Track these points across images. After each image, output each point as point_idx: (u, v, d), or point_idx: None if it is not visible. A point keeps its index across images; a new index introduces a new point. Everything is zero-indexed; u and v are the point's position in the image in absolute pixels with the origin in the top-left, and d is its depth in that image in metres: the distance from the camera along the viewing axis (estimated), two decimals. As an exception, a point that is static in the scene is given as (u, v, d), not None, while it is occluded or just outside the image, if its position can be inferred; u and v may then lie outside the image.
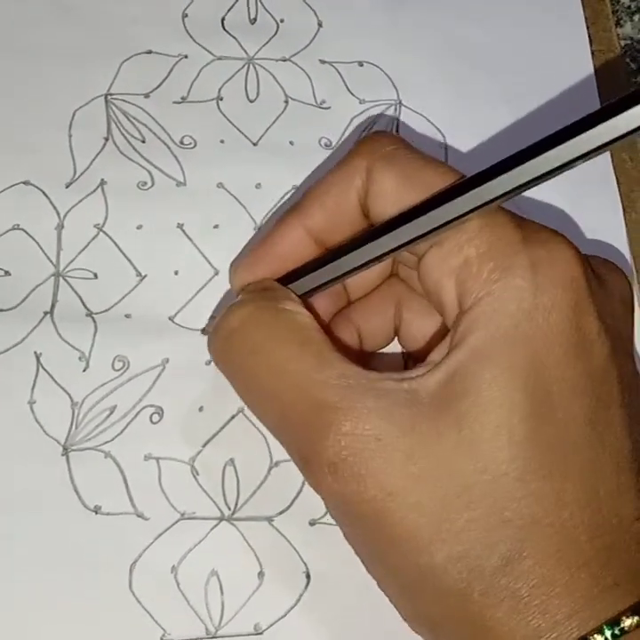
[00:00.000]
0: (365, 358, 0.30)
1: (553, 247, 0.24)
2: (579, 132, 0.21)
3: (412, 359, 0.31)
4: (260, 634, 0.28)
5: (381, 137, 0.27)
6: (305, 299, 0.27)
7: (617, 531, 0.23)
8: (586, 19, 0.38)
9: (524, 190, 0.23)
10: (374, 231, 0.25)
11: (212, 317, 0.32)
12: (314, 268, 0.27)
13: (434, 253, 0.24)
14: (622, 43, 0.39)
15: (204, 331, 0.32)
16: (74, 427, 0.30)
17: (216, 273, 0.33)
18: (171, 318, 0.32)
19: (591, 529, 0.22)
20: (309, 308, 0.27)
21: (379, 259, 0.25)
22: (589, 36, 0.38)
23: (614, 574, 0.22)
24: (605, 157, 0.36)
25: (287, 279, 0.28)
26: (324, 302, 0.29)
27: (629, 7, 0.39)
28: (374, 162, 0.26)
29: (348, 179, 0.26)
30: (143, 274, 0.32)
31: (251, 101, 0.36)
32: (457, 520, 0.22)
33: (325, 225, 0.27)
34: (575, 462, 0.23)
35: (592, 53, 0.38)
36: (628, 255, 0.35)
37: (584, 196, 0.35)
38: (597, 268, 0.25)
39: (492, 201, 0.23)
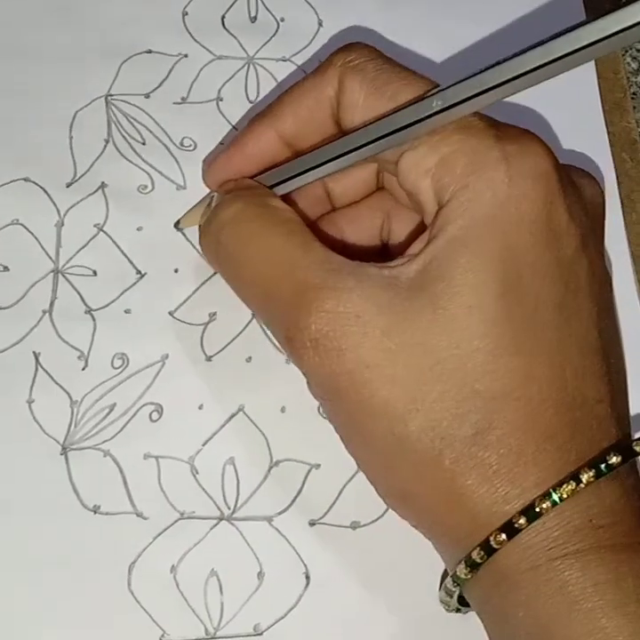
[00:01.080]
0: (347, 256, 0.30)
1: (525, 142, 0.25)
2: (560, 35, 0.22)
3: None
4: (260, 634, 0.28)
5: (354, 48, 0.28)
6: (284, 199, 0.29)
7: (581, 409, 0.24)
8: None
9: (499, 97, 0.24)
10: (346, 133, 0.27)
11: (178, 220, 0.33)
12: (287, 170, 0.28)
13: (410, 156, 0.26)
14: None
15: (176, 225, 0.33)
16: (73, 425, 0.30)
17: (216, 272, 0.32)
18: (171, 313, 0.32)
19: (557, 405, 0.24)
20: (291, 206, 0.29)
21: (349, 156, 0.27)
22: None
23: (577, 449, 0.24)
24: (606, 158, 0.36)
25: (261, 180, 0.29)
26: (303, 204, 0.30)
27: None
28: (346, 72, 0.27)
29: (320, 87, 0.28)
30: (143, 272, 0.32)
31: (251, 102, 0.36)
32: (430, 392, 0.24)
33: (297, 131, 0.29)
34: (543, 342, 0.24)
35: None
36: (627, 255, 0.35)
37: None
38: (571, 173, 0.26)
39: (463, 101, 0.24)
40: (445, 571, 0.27)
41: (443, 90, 0.25)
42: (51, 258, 0.32)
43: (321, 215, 0.31)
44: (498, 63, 0.23)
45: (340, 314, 0.24)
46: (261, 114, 0.29)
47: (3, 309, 0.31)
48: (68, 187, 0.33)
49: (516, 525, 0.23)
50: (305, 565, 0.29)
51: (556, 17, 0.37)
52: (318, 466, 0.30)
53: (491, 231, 0.24)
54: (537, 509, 0.23)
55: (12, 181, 0.33)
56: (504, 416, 0.23)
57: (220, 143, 0.35)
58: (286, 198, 0.29)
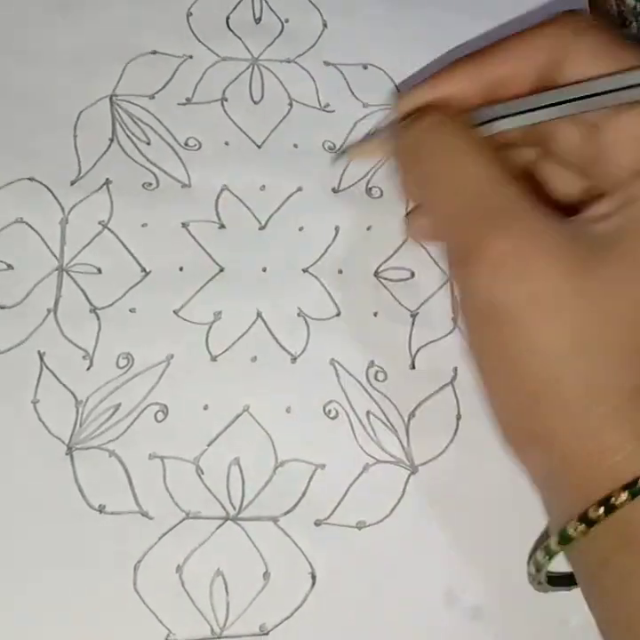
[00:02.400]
0: None
1: None
2: None
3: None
4: (266, 634, 0.28)
5: (575, 14, 0.28)
6: None
7: None
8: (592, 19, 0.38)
9: None
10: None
11: (340, 151, 0.34)
12: (491, 111, 0.28)
13: (625, 117, 0.26)
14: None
15: (340, 154, 0.34)
16: (78, 425, 0.30)
17: (221, 269, 0.33)
18: (176, 312, 0.32)
19: None
20: None
21: (566, 106, 0.27)
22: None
23: None
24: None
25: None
26: None
27: (635, 8, 0.39)
28: (574, 31, 0.27)
29: (538, 42, 0.28)
30: (148, 270, 0.32)
31: (255, 103, 0.36)
32: (597, 340, 0.24)
33: (503, 79, 0.29)
34: None
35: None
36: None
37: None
38: None
39: None
40: (541, 536, 0.27)
41: None
42: (55, 256, 0.32)
43: None
44: None
45: (530, 243, 0.24)
46: (468, 56, 0.29)
47: (7, 308, 0.31)
48: (72, 184, 0.33)
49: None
50: (311, 565, 0.29)
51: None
52: (323, 466, 0.30)
53: None
54: None
55: (16, 180, 0.33)
56: None
57: (225, 143, 0.35)
58: None
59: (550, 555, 0.25)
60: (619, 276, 0.24)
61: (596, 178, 0.27)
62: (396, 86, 0.36)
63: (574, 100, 0.27)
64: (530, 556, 0.28)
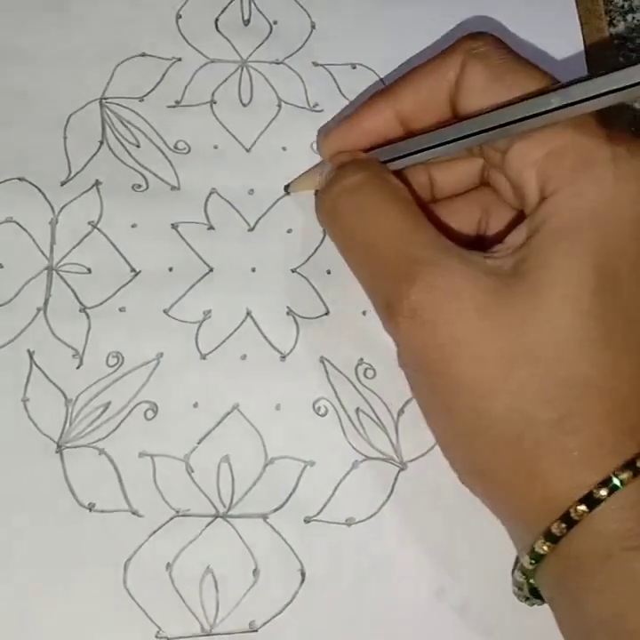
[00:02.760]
0: None
1: (634, 147, 0.26)
2: None
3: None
4: (255, 631, 0.28)
5: (481, 36, 0.29)
6: None
7: None
8: (579, 17, 0.38)
9: (619, 100, 0.25)
10: (461, 119, 0.28)
11: (288, 184, 0.34)
12: (401, 147, 0.30)
13: (519, 146, 0.27)
14: (615, 42, 0.39)
15: (286, 188, 0.34)
16: (68, 424, 0.30)
17: (210, 270, 0.33)
18: (165, 311, 0.32)
19: None
20: None
21: (464, 141, 0.28)
22: (583, 36, 0.38)
23: None
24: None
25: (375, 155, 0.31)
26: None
27: (622, 6, 0.40)
28: (469, 58, 0.28)
29: (442, 70, 0.29)
30: (137, 269, 0.32)
31: (244, 105, 0.36)
32: (517, 374, 0.24)
33: (414, 111, 0.30)
34: (634, 338, 0.25)
35: (586, 52, 0.38)
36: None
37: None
38: None
39: (581, 101, 0.25)
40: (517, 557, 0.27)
41: (563, 87, 0.25)
42: (45, 255, 0.32)
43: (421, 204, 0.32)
44: (623, 66, 0.24)
45: (441, 289, 0.25)
46: (381, 92, 0.31)
47: (-3, 307, 0.31)
48: (62, 185, 0.33)
49: (596, 496, 0.23)
50: (300, 562, 0.29)
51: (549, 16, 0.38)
52: (313, 463, 0.30)
53: (592, 227, 0.25)
54: (617, 482, 0.23)
55: (5, 180, 0.33)
56: (587, 405, 0.24)
57: (214, 147, 0.35)
58: None
59: (526, 574, 0.26)
60: (528, 312, 0.25)
61: (521, 203, 0.28)
62: (384, 84, 0.37)
63: (470, 135, 0.27)
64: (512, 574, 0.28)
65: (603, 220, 0.25)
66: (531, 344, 0.24)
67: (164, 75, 0.36)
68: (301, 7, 0.38)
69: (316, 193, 0.33)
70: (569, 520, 0.24)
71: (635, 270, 0.25)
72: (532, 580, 0.26)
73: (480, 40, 0.28)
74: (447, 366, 0.25)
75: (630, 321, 0.25)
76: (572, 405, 0.24)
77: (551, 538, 0.24)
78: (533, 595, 0.27)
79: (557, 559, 0.24)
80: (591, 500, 0.23)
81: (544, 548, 0.24)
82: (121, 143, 0.34)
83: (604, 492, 0.23)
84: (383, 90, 0.31)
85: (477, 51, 0.28)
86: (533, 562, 0.25)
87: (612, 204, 0.25)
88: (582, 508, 0.23)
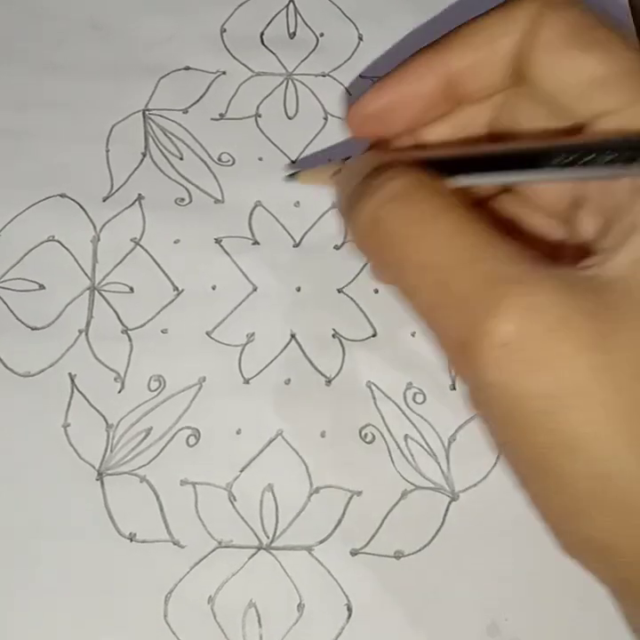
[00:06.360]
0: None
1: None
2: None
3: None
4: (300, 669, 0.27)
5: None
6: None
7: None
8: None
9: None
10: (528, 84, 0.23)
11: (292, 162, 0.33)
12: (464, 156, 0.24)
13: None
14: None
15: (291, 175, 0.31)
16: (109, 450, 0.29)
17: (254, 289, 0.32)
18: (208, 334, 0.31)
19: None
20: None
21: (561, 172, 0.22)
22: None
23: None
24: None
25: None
26: None
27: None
28: (546, 7, 0.23)
29: (510, 20, 0.23)
30: (180, 288, 0.32)
31: (289, 118, 0.35)
32: None
33: (468, 71, 0.24)
34: None
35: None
36: None
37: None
38: None
39: None
40: None
41: None
42: (87, 275, 0.32)
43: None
44: None
45: (542, 314, 0.19)
46: (429, 46, 0.25)
47: (38, 330, 0.31)
48: (104, 201, 0.33)
49: None
50: (346, 597, 0.28)
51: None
52: (360, 493, 0.29)
53: None
54: None
55: (47, 198, 0.33)
56: None
57: (259, 159, 0.34)
58: None
59: None
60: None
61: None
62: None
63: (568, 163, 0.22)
64: None
65: None
66: None
67: (208, 88, 0.36)
68: (349, 19, 0.37)
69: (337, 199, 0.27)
70: None
71: None
72: None
73: None
74: (555, 421, 0.19)
75: None
76: None
77: None
78: None
79: None
80: None
81: None
82: (164, 155, 0.34)
83: None
84: (432, 44, 0.25)
85: (554, 1, 0.23)
86: None
87: None
88: None
